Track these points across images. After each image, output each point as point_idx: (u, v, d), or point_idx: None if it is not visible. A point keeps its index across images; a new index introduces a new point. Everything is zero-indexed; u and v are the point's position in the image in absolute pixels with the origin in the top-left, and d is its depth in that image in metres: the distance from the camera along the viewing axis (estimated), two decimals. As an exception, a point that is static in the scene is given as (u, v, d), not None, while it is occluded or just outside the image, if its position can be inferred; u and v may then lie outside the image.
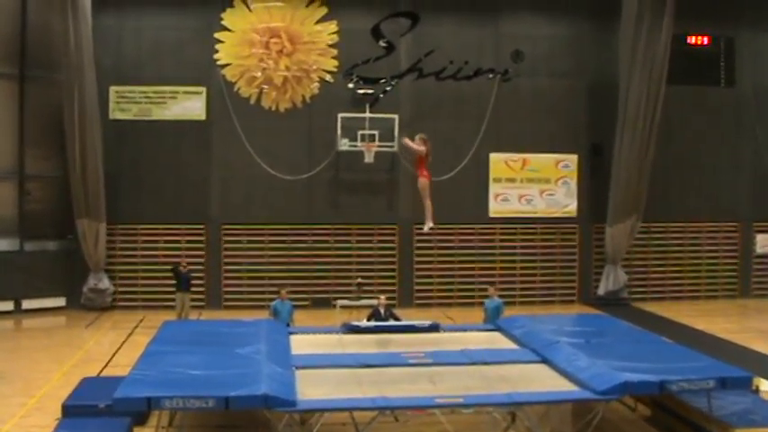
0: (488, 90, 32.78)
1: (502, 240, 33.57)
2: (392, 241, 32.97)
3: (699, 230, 35.00)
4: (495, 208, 33.52)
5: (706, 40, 34.75)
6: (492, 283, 28.37)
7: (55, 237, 31.73)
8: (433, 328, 21.41)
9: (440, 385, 15.89)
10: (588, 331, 19.90)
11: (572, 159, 33.86)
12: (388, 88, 31.84)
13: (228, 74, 30.82)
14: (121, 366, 20.59)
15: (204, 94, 31.87)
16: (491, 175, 33.44)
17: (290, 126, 31.38)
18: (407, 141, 20.36)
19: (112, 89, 31.60)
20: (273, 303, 23.90)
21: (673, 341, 20.16)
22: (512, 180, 33.61)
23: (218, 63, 30.46)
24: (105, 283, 31.20)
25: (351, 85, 31.48)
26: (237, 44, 30.54)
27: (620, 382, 14.97)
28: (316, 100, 31.48)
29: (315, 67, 30.78)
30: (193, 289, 28.88)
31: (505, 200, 33.55)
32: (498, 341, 20.37)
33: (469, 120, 32.77)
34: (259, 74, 29.78)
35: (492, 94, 32.82)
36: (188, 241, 32.03)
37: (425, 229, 21.13)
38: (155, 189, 31.76)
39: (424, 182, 20.57)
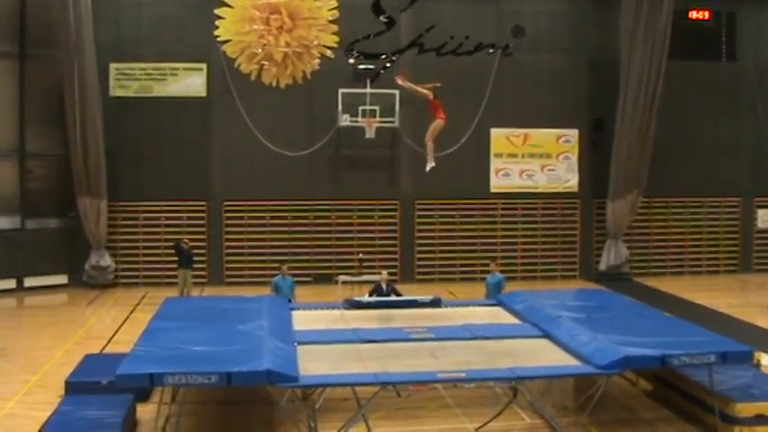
0: (489, 65, 32.65)
1: (503, 216, 33.58)
2: (393, 217, 32.99)
3: (700, 205, 35.01)
4: (497, 183, 33.51)
5: (707, 14, 34.66)
6: (493, 259, 28.38)
7: (56, 215, 31.76)
8: (435, 303, 21.44)
9: (442, 360, 15.93)
10: (590, 306, 19.97)
11: (573, 134, 33.83)
12: (388, 64, 31.73)
13: (228, 50, 30.65)
14: (124, 343, 20.61)
15: (205, 71, 31.86)
16: (492, 151, 33.41)
17: (291, 102, 31.30)
18: (409, 84, 20.47)
19: (112, 66, 31.54)
20: (275, 279, 23.92)
21: (674, 316, 20.18)
22: (513, 155, 33.58)
23: (218, 40, 30.38)
24: (107, 260, 31.24)
25: (351, 61, 31.37)
26: (237, 20, 30.37)
27: (621, 357, 15.01)
28: (316, 76, 31.15)
29: (315, 42, 30.51)
30: (195, 266, 28.97)
31: (506, 175, 33.53)
32: (500, 316, 20.40)
33: (470, 95, 32.67)
34: (259, 50, 29.64)
35: (493, 69, 32.71)
36: (189, 218, 32.05)
37: (427, 168, 21.00)
38: (156, 166, 31.74)
39: (439, 123, 20.59)
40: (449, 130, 31.75)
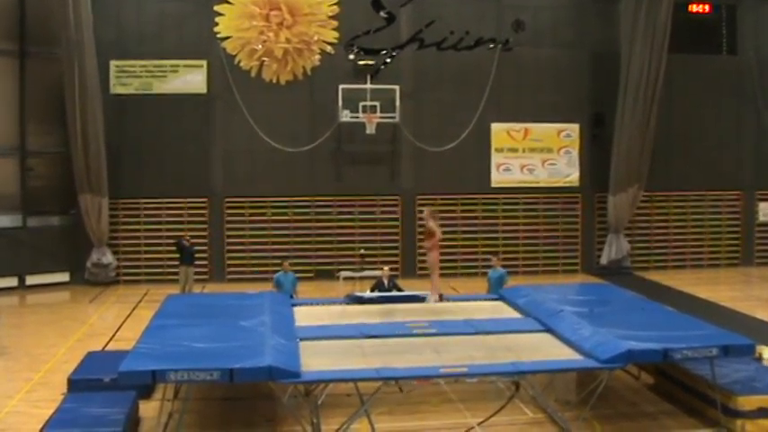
0: (490, 60, 32.65)
1: (504, 210, 33.57)
2: (395, 212, 32.99)
3: (701, 199, 35.00)
4: (498, 178, 33.49)
5: (707, 8, 34.68)
6: (495, 254, 28.41)
7: (58, 212, 31.82)
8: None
9: (444, 355, 15.94)
10: (591, 300, 19.96)
11: (574, 129, 33.80)
12: (388, 59, 31.73)
13: (229, 47, 30.62)
14: (126, 340, 20.65)
15: (205, 68, 31.85)
16: (493, 145, 33.39)
17: (292, 98, 31.26)
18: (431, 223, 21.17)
19: (113, 63, 31.53)
20: (276, 275, 23.90)
21: (676, 309, 20.19)
22: (514, 150, 33.57)
23: (218, 36, 30.36)
24: (108, 257, 31.25)
25: (351, 57, 31.39)
26: (237, 17, 30.33)
27: (623, 351, 15.02)
28: (317, 72, 31.21)
29: (316, 38, 30.48)
30: (197, 262, 28.98)
31: (507, 170, 33.52)
32: (502, 311, 20.43)
33: (471, 90, 32.66)
34: (259, 46, 29.61)
35: (493, 64, 32.71)
36: (191, 215, 32.05)
37: (430, 302, 21.18)
38: (156, 163, 31.74)
39: (435, 258, 21.02)
40: (450, 125, 31.99)
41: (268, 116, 31.70)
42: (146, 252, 31.90)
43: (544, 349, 16.55)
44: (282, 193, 32.34)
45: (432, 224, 21.40)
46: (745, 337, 16.62)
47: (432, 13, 31.80)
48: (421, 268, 32.74)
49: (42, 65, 31.04)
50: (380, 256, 31.75)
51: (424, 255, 32.55)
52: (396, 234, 32.98)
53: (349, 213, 32.76)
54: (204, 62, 31.75)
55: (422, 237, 32.68)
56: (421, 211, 32.57)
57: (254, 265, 32.00)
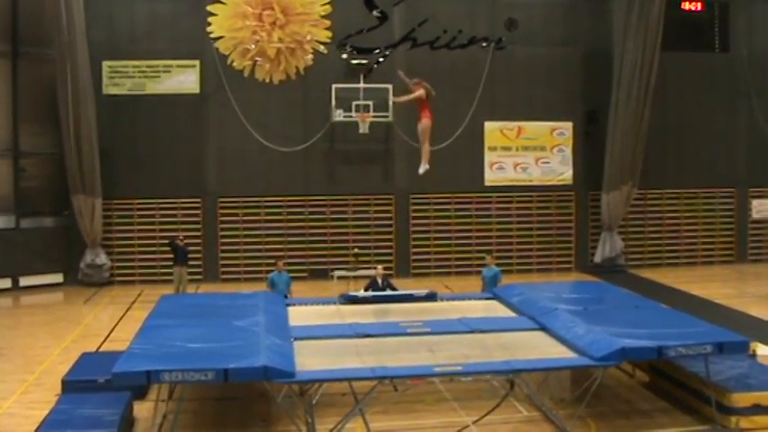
0: (482, 59, 32.68)
1: (498, 209, 33.58)
2: (388, 211, 32.99)
3: (695, 196, 35.04)
4: (491, 176, 33.51)
5: (700, 5, 34.70)
6: (489, 252, 28.41)
7: (51, 213, 31.75)
8: (431, 297, 21.46)
9: (438, 354, 15.94)
10: (586, 298, 19.98)
11: (567, 127, 33.83)
12: (381, 59, 31.73)
13: (221, 46, 30.57)
14: (120, 341, 20.63)
15: (198, 68, 31.82)
16: (486, 144, 33.40)
17: (285, 98, 31.25)
18: (405, 78, 20.53)
19: (105, 64, 31.47)
20: (270, 275, 23.91)
21: (670, 307, 20.21)
22: (507, 148, 33.58)
23: (211, 36, 30.31)
24: (102, 258, 31.21)
25: (344, 56, 31.38)
26: (230, 17, 30.30)
27: (617, 349, 15.03)
28: (310, 71, 31.22)
29: (308, 38, 30.45)
30: (190, 262, 28.93)
31: (501, 168, 33.53)
32: (496, 309, 20.44)
33: (464, 88, 32.67)
34: (252, 46, 29.59)
35: (486, 62, 32.73)
36: (184, 215, 32.03)
37: (420, 171, 20.87)
38: (150, 164, 31.70)
39: (426, 123, 20.49)
40: (443, 125, 31.84)
41: (261, 116, 31.69)
42: (139, 252, 31.86)
43: (538, 347, 16.56)
44: (276, 193, 32.31)
45: (414, 87, 20.78)
46: (739, 334, 16.67)
47: (424, 12, 31.81)
48: (415, 267, 32.81)
49: (35, 66, 30.98)
50: (374, 255, 31.75)
51: (418, 254, 32.80)
52: (389, 233, 32.98)
53: (342, 213, 32.74)
54: (197, 62, 31.72)
55: (416, 234, 32.79)
56: (420, 212, 32.75)
57: (247, 265, 31.99)
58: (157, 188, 31.79)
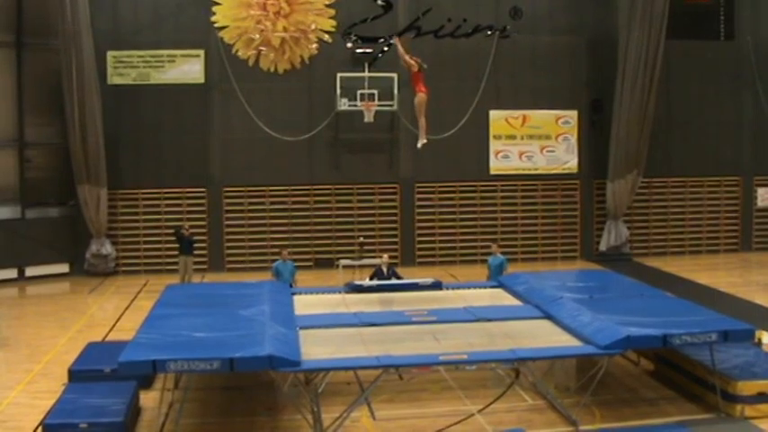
0: (487, 47, 32.63)
1: (503, 197, 33.55)
2: (393, 200, 32.97)
3: (700, 185, 34.97)
4: (496, 165, 33.48)
5: (705, -7, 34.60)
6: (494, 241, 28.41)
7: (56, 203, 31.80)
8: (436, 285, 21.49)
9: (443, 343, 15.97)
10: (591, 287, 20.00)
11: (572, 115, 33.77)
12: (386, 48, 31.68)
13: (226, 36, 30.66)
14: (126, 331, 20.68)
15: (202, 57, 31.76)
16: (491, 133, 33.36)
17: (289, 87, 31.26)
18: (402, 51, 20.35)
19: (110, 54, 31.43)
20: (275, 264, 23.94)
21: (675, 295, 20.21)
22: (512, 137, 33.53)
23: (216, 26, 30.32)
24: (108, 248, 31.24)
25: (349, 45, 31.34)
26: (234, 6, 30.36)
27: (623, 337, 15.05)
28: (314, 60, 31.34)
29: (313, 27, 30.59)
30: (196, 252, 28.95)
31: (506, 157, 33.50)
32: (501, 298, 20.46)
33: (469, 77, 32.66)
34: (257, 36, 29.64)
35: (491, 51, 32.68)
36: (189, 205, 32.03)
37: (418, 144, 20.75)
38: (155, 153, 31.72)
39: (421, 97, 20.23)
40: (448, 113, 31.91)
41: (266, 105, 31.68)
42: (145, 242, 31.90)
43: (543, 336, 16.58)
44: (281, 182, 32.31)
45: (407, 57, 20.60)
46: (745, 322, 16.64)
47: (429, 0, 31.77)
48: (420, 256, 32.82)
49: (40, 56, 30.99)
50: (379, 244, 31.78)
51: (423, 243, 32.82)
52: (394, 222, 32.97)
53: (347, 201, 32.73)
54: (202, 52, 31.65)
55: (421, 223, 32.82)
56: (425, 201, 32.77)
57: (253, 255, 32.01)
58: (162, 178, 31.80)
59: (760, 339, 18.27)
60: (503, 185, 33.54)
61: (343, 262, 27.53)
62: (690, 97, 34.21)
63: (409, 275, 24.64)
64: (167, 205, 31.93)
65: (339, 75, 31.49)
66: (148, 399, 16.81)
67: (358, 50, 31.69)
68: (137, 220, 31.95)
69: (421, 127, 20.60)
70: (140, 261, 31.87)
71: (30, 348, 21.35)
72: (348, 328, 17.29)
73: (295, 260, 25.31)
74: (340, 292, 21.17)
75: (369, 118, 31.44)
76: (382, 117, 31.89)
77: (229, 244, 32.28)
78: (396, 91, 31.46)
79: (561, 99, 33.56)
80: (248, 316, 16.86)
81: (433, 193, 33.11)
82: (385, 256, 24.77)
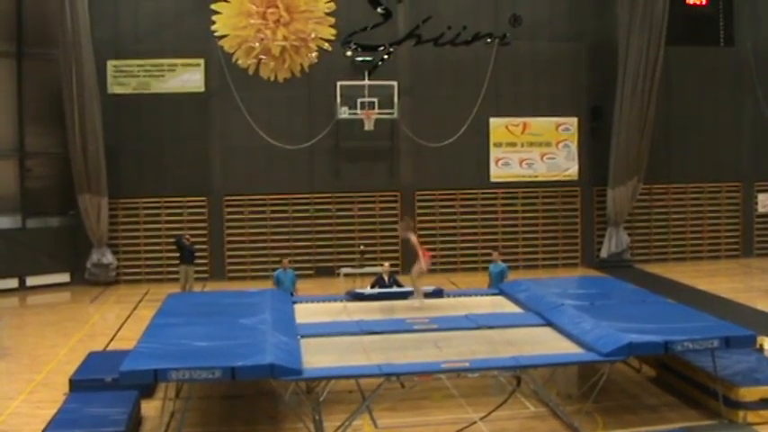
0: (487, 55, 32.66)
1: (503, 205, 33.57)
2: (394, 208, 32.97)
3: (700, 191, 34.99)
4: (497, 172, 33.49)
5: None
6: (495, 248, 28.39)
7: (57, 213, 31.86)
8: (437, 293, 21.47)
9: (445, 350, 15.96)
10: (592, 293, 19.96)
11: (572, 122, 33.80)
12: (386, 56, 31.70)
13: (226, 45, 30.57)
14: (127, 340, 20.67)
15: (202, 66, 31.84)
16: (491, 140, 33.39)
17: (290, 96, 31.28)
18: (414, 240, 20.36)
19: (110, 63, 31.49)
20: (276, 273, 23.91)
21: (676, 302, 20.19)
22: (512, 144, 33.56)
23: (216, 35, 30.30)
24: (109, 257, 31.25)
25: (349, 53, 31.35)
26: (234, 15, 30.29)
27: (624, 344, 15.02)
28: (314, 69, 31.23)
29: (313, 35, 30.44)
30: (197, 261, 28.95)
31: (506, 164, 33.51)
32: (502, 305, 20.45)
33: (469, 85, 32.70)
34: (257, 44, 29.59)
35: (491, 58, 32.72)
36: (190, 213, 32.05)
37: (417, 304, 20.58)
38: (155, 162, 31.74)
39: (423, 268, 20.28)
40: (448, 121, 31.99)
41: (266, 114, 31.73)
42: (146, 251, 31.91)
43: (545, 343, 16.57)
44: (281, 191, 32.34)
45: (413, 239, 20.69)
46: (746, 328, 16.60)
47: (429, 8, 31.76)
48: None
49: (40, 66, 31.06)
50: (380, 252, 31.76)
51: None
52: (395, 230, 32.91)
53: (348, 210, 32.74)
54: (202, 61, 31.74)
55: (421, 231, 32.77)
56: (425, 209, 32.75)
57: (253, 263, 32.02)
58: (163, 187, 31.82)
59: (762, 345, 18.24)
60: (503, 193, 33.56)
61: (344, 270, 27.51)
62: (690, 103, 34.23)
63: (410, 283, 24.63)
64: (168, 214, 31.94)
65: (339, 83, 31.54)
66: (150, 408, 16.77)
67: (358, 59, 31.73)
68: (137, 230, 31.97)
69: (418, 290, 20.60)
70: (141, 270, 31.88)
71: (31, 358, 21.33)
72: (349, 336, 17.27)
73: (296, 269, 25.32)
74: (341, 301, 21.17)
75: (369, 126, 31.47)
76: (382, 125, 31.91)
77: (230, 253, 32.30)
78: (396, 99, 31.49)
79: (561, 106, 33.61)
80: (249, 325, 16.85)
81: (433, 200, 33.11)
82: (386, 264, 24.76)
